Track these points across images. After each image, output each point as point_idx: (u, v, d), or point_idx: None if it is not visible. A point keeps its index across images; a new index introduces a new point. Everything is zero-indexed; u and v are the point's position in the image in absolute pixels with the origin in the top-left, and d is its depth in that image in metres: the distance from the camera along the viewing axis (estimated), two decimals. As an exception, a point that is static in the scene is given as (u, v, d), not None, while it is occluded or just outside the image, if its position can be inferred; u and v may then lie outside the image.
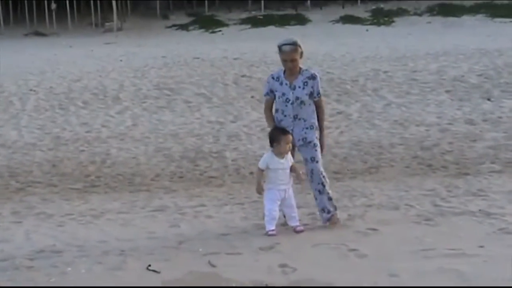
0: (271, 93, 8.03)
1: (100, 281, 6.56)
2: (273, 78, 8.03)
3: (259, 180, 7.93)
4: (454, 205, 8.85)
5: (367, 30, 40.77)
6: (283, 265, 6.71)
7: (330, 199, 7.92)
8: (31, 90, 18.01)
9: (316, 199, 7.98)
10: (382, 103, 16.34)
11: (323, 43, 30.45)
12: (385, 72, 18.19)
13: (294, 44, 7.86)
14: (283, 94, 7.92)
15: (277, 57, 8.46)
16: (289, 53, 7.83)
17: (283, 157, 7.79)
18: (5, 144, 13.47)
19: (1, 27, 49.65)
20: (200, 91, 17.46)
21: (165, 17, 51.05)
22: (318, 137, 7.95)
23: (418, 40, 31.38)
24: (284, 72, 7.98)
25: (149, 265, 6.88)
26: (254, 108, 16.08)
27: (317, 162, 7.86)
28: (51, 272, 6.86)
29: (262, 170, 7.90)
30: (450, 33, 35.24)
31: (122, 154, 12.92)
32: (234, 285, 6.25)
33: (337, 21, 45.30)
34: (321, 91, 7.99)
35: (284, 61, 7.91)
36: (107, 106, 16.51)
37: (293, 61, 7.86)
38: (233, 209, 9.28)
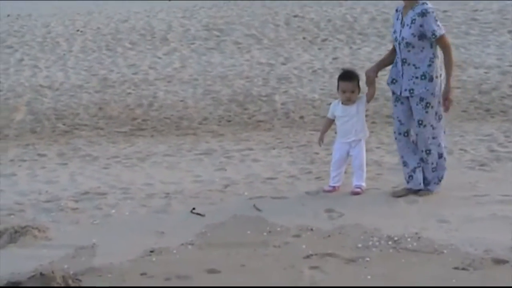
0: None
1: (144, 224, 6.48)
2: (396, 10, 6.84)
3: (322, 128, 7.36)
4: (511, 151, 8.53)
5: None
6: (329, 210, 6.54)
7: (433, 170, 6.76)
8: (78, 30, 17.90)
9: (418, 165, 6.82)
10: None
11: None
12: (444, 11, 17.55)
13: None
14: (394, 31, 6.77)
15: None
16: None
17: (348, 105, 7.00)
18: (52, 86, 13.44)
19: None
20: (250, 32, 17.13)
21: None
22: (435, 91, 6.63)
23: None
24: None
25: (194, 208, 6.79)
26: (306, 49, 15.72)
27: (424, 126, 6.62)
28: (95, 214, 6.86)
29: (330, 119, 7.23)
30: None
31: (170, 97, 12.78)
32: (278, 229, 6.10)
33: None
34: (439, 30, 6.57)
35: None
36: (154, 47, 16.33)
37: None
38: (280, 153, 9.11)
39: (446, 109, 6.63)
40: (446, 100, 6.57)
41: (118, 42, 16.79)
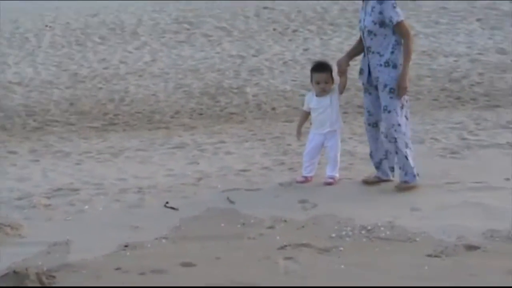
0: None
1: (117, 219, 6.45)
2: (363, 0, 6.77)
3: (298, 122, 7.34)
4: (481, 138, 8.64)
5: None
6: (303, 201, 6.56)
7: (406, 158, 6.62)
8: (46, 26, 17.75)
9: (386, 155, 6.87)
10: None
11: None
12: (414, 0, 17.65)
13: None
14: (360, 21, 6.80)
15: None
16: None
17: (322, 96, 7.00)
18: (22, 82, 13.34)
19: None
20: (220, 25, 17.11)
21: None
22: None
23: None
24: None
25: (167, 202, 6.78)
26: (276, 41, 15.74)
27: (388, 112, 6.56)
28: (69, 210, 6.82)
29: (306, 112, 7.22)
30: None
31: (141, 91, 12.74)
32: (252, 221, 6.11)
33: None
34: (396, 16, 6.50)
35: None
36: (125, 41, 16.26)
37: None
38: (253, 145, 9.12)
39: (399, 96, 6.55)
40: (399, 88, 6.54)
41: (87, 37, 16.68)
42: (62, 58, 15.08)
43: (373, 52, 6.62)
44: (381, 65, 6.58)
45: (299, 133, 7.27)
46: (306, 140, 7.25)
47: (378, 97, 6.72)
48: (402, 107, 6.64)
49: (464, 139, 8.67)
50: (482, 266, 4.83)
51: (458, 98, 11.31)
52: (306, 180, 7.10)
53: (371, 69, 6.67)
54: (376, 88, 6.70)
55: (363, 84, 6.86)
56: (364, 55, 6.77)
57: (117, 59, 14.84)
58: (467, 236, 5.42)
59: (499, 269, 4.74)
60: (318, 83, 7.00)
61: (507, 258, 4.95)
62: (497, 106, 10.58)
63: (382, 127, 6.79)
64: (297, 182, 7.12)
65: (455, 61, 13.59)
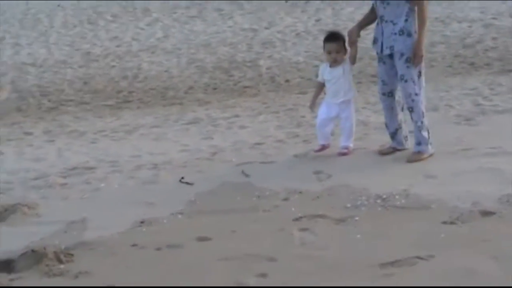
0: None
1: (133, 195, 6.48)
2: None
3: (314, 94, 7.29)
4: (496, 103, 8.57)
5: None
6: (317, 172, 6.55)
7: (420, 129, 6.60)
8: (58, 5, 17.77)
9: (400, 125, 6.86)
10: None
11: None
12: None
13: None
14: None
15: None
16: None
17: (335, 66, 6.94)
18: (35, 63, 13.37)
19: None
20: (231, -2, 17.07)
21: None
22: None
23: None
24: None
25: (182, 178, 6.79)
26: (288, 13, 15.66)
27: (405, 81, 6.50)
28: (84, 189, 6.85)
29: (320, 83, 7.17)
30: None
31: (154, 67, 12.73)
32: (267, 193, 6.11)
33: None
34: None
35: None
36: (136, 18, 16.24)
37: None
38: (267, 118, 9.10)
39: (415, 65, 6.49)
40: (415, 56, 6.47)
41: (99, 15, 16.68)
42: (74, 37, 15.11)
43: (386, 21, 6.54)
44: (395, 33, 6.49)
45: (313, 104, 7.24)
46: (319, 109, 7.20)
47: (392, 66, 6.66)
48: (419, 75, 6.58)
49: (478, 105, 8.60)
50: (497, 232, 4.82)
51: (472, 63, 11.21)
52: (323, 148, 7.07)
53: (385, 38, 6.59)
54: (390, 57, 6.64)
55: (377, 53, 6.80)
56: (378, 24, 6.70)
57: (129, 36, 14.84)
58: (482, 202, 5.40)
59: (515, 234, 4.73)
60: (329, 52, 6.97)
61: (523, 223, 4.93)
62: (511, 70, 10.47)
63: (398, 96, 6.74)
64: (315, 151, 7.08)
65: (469, 26, 13.47)
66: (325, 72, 7.05)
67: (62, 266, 4.83)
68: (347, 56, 6.97)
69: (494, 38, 12.53)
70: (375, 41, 6.74)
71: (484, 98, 8.90)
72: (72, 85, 12.01)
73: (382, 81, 6.80)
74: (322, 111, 7.11)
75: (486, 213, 5.21)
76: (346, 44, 6.93)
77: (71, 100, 11.21)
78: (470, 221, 5.10)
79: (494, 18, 13.85)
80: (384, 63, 6.73)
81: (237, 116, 9.37)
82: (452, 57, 11.73)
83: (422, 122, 6.59)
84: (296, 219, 5.44)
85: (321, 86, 7.20)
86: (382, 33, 6.61)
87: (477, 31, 13.08)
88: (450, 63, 11.41)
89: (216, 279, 4.44)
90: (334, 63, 6.97)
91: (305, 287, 4.27)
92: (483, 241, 4.67)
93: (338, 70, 6.95)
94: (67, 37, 15.13)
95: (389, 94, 6.80)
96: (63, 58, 13.64)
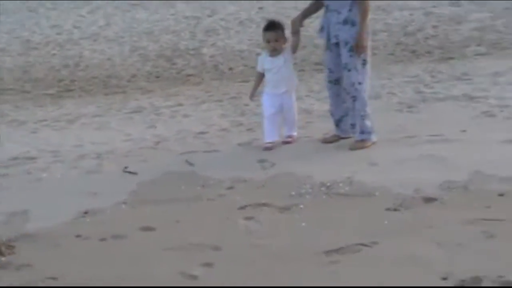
0: None
1: (76, 185, 6.39)
2: None
3: (254, 84, 7.20)
4: (437, 91, 8.70)
5: None
6: (262, 161, 6.56)
7: (363, 117, 6.65)
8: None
9: (346, 112, 6.87)
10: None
11: None
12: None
13: None
14: None
15: None
16: None
17: (276, 55, 6.92)
18: (-27, 51, 13.11)
19: None
20: (173, -14, 16.94)
21: None
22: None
23: None
24: None
25: (126, 167, 6.72)
26: (230, 0, 15.61)
27: (349, 70, 6.53)
28: (26, 179, 6.73)
29: (260, 73, 7.08)
30: None
31: (96, 56, 12.57)
32: (212, 182, 6.10)
33: None
34: None
35: None
36: (77, 5, 16.02)
37: None
38: (211, 107, 9.08)
39: (358, 54, 6.51)
40: (358, 46, 6.51)
41: (39, 3, 16.38)
42: (13, 25, 14.80)
43: (331, 11, 6.57)
44: (340, 23, 6.52)
45: (252, 95, 7.18)
46: (262, 103, 7.13)
47: (339, 55, 6.68)
48: (364, 64, 6.61)
49: (420, 92, 8.73)
50: (439, 218, 4.89)
51: (414, 51, 11.37)
52: (273, 145, 6.97)
53: (331, 27, 6.61)
54: (336, 45, 6.66)
55: (325, 41, 6.81)
56: (325, 13, 6.71)
57: (70, 24, 14.63)
58: (424, 188, 5.47)
59: (456, 219, 4.80)
60: (268, 41, 6.95)
61: (463, 209, 5.01)
62: (451, 58, 10.67)
63: (343, 84, 6.78)
64: (265, 149, 6.91)
65: (410, 14, 13.64)
66: (265, 62, 7.00)
67: (3, 258, 4.73)
68: (287, 45, 6.97)
69: (434, 26, 12.73)
70: (321, 29, 6.76)
71: (425, 86, 9.03)
72: (12, 73, 11.79)
73: (329, 69, 6.83)
74: (267, 106, 7.03)
75: (428, 200, 5.28)
76: (288, 32, 6.93)
77: (10, 89, 11.00)
78: (413, 208, 5.16)
79: (434, 6, 14.06)
80: (331, 51, 6.75)
81: (180, 104, 9.32)
82: (394, 45, 11.88)
83: (365, 111, 6.64)
84: (241, 208, 5.44)
85: (261, 77, 7.12)
86: (329, 22, 6.63)
87: (418, 19, 13.26)
88: (392, 51, 11.55)
89: (161, 269, 4.41)
90: (273, 52, 6.94)
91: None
92: (426, 227, 4.73)
93: (279, 59, 6.92)
94: (6, 25, 14.82)
95: (336, 82, 6.82)
96: (2, 46, 13.37)
